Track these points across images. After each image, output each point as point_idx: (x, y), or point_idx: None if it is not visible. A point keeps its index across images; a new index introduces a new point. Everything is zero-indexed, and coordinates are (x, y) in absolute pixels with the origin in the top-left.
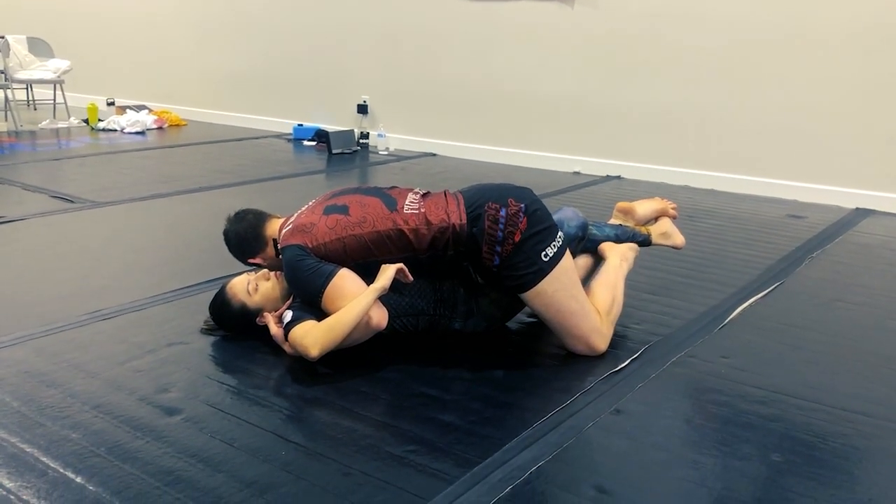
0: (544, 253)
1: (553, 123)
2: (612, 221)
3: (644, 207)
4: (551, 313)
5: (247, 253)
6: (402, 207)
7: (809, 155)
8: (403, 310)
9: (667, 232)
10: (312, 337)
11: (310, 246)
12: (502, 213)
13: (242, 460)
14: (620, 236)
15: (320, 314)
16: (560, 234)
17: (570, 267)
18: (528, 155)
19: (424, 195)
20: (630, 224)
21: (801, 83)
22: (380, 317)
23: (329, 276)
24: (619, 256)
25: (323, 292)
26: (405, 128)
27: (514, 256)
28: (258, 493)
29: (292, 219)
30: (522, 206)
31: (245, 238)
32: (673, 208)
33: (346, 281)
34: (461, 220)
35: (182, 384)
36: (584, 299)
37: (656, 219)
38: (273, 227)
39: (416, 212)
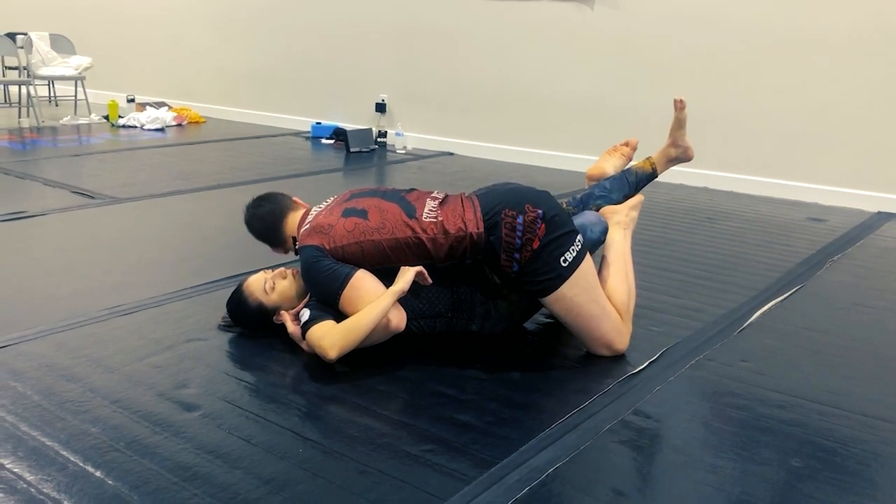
0: (563, 258)
1: (571, 123)
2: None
3: (611, 164)
4: (571, 317)
5: (273, 242)
6: (422, 215)
7: (830, 157)
8: (420, 312)
9: (671, 156)
10: (330, 339)
11: (327, 248)
12: (519, 220)
13: (260, 457)
14: (629, 194)
15: (337, 313)
16: (579, 237)
17: (590, 270)
18: (546, 155)
19: (442, 201)
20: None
21: (823, 85)
22: (399, 319)
23: (346, 279)
24: (621, 226)
25: (340, 294)
26: (423, 126)
27: (533, 263)
28: (275, 490)
29: (310, 217)
30: (540, 212)
31: (265, 235)
32: (631, 143)
33: (363, 283)
34: (478, 229)
35: (200, 380)
36: (605, 301)
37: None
38: (292, 224)
39: (434, 220)
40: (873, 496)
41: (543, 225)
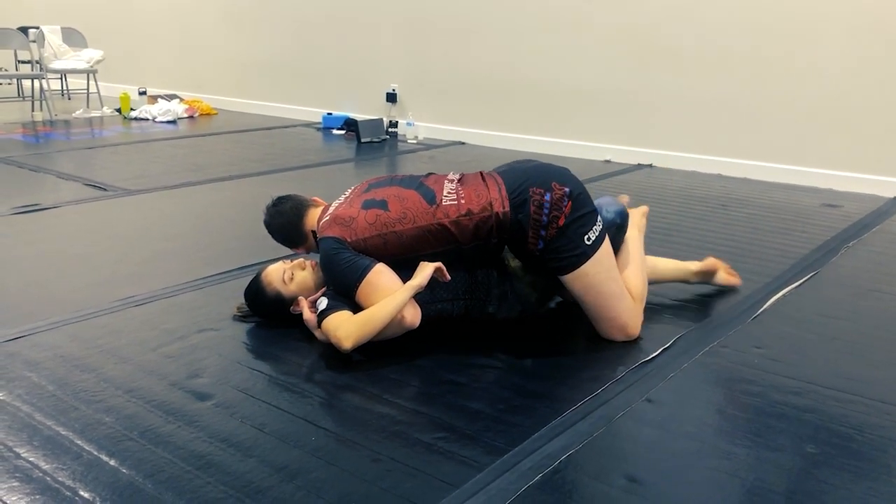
0: (587, 237)
1: (583, 111)
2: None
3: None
4: (591, 296)
5: (289, 245)
6: (442, 200)
7: (845, 143)
8: (439, 295)
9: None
10: (346, 329)
11: (349, 240)
12: (547, 197)
13: (273, 445)
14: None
15: (354, 304)
16: (600, 217)
17: (609, 251)
18: (559, 143)
19: (461, 180)
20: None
21: (837, 69)
22: (412, 316)
23: (365, 271)
24: (636, 227)
25: (358, 286)
26: (434, 116)
27: (557, 240)
28: (288, 479)
29: (330, 209)
30: (567, 189)
31: (287, 235)
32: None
33: (381, 277)
34: (504, 208)
35: (213, 370)
36: (622, 282)
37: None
38: (312, 219)
39: (456, 203)
40: (890, 482)
41: (570, 203)
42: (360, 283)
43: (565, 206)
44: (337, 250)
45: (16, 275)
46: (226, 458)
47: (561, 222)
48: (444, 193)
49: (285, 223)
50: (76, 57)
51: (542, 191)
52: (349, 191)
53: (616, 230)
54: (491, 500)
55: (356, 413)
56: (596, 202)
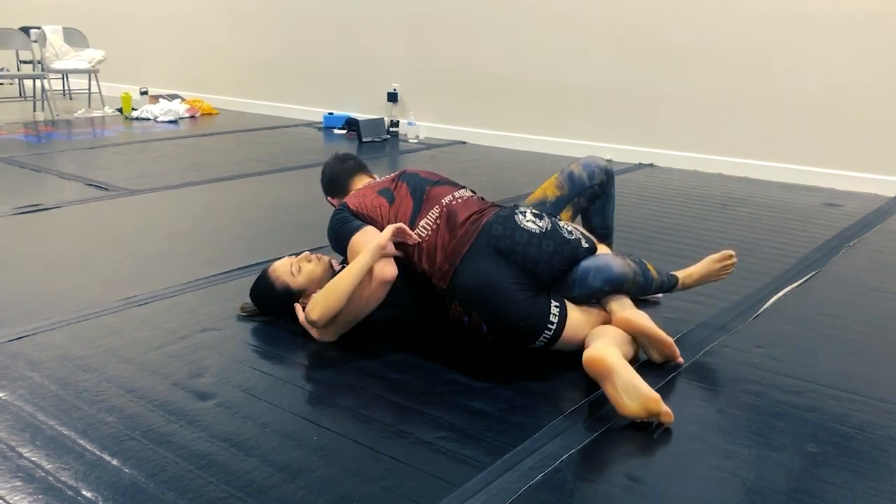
0: (530, 346)
1: (584, 111)
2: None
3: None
4: None
5: (330, 192)
6: (417, 224)
7: (846, 142)
8: (390, 300)
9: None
10: (313, 303)
11: (352, 207)
12: (465, 319)
13: (274, 445)
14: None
15: None
16: (547, 330)
17: (570, 336)
18: (560, 143)
19: (448, 216)
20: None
21: (838, 68)
22: (383, 269)
23: (354, 231)
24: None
25: (348, 244)
26: (435, 116)
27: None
28: (290, 478)
29: (365, 184)
30: (484, 327)
31: (337, 180)
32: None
33: (365, 237)
34: (443, 284)
35: (215, 369)
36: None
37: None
38: (356, 184)
39: (420, 237)
40: (890, 481)
41: (490, 335)
42: (349, 241)
43: (484, 334)
44: (339, 211)
45: (18, 275)
46: (228, 458)
47: (487, 338)
48: (423, 222)
49: (340, 172)
50: (77, 57)
51: (461, 310)
52: (390, 175)
53: (605, 295)
54: (492, 500)
55: (358, 412)
56: (586, 263)
